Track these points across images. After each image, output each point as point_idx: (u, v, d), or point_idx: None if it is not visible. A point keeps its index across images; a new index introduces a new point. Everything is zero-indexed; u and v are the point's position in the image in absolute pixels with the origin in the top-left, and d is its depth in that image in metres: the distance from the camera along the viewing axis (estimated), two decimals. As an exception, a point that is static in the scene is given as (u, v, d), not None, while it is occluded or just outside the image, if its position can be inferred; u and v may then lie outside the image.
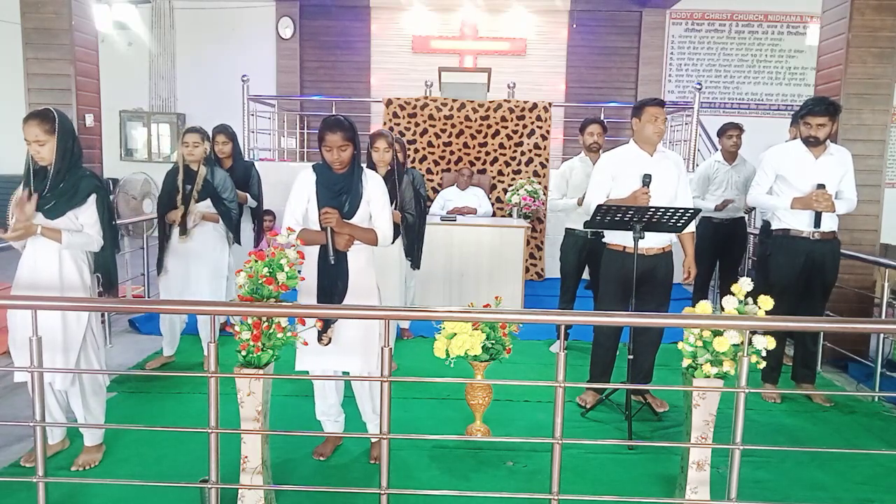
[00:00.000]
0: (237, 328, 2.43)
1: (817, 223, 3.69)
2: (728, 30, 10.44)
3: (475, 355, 3.10)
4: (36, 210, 2.73)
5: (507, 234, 5.54)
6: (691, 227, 3.50)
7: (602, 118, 5.16)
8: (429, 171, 6.76)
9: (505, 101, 6.84)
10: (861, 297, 4.68)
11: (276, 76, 10.58)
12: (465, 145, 6.80)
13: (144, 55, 10.50)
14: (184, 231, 4.02)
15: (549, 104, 6.84)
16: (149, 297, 5.24)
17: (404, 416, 3.49)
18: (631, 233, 3.35)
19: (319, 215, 2.72)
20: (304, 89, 10.60)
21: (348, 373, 2.90)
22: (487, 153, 6.81)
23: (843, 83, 4.69)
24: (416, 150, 6.77)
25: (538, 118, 6.75)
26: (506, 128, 6.76)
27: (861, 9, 4.62)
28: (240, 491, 2.48)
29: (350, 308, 2.69)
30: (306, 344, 2.74)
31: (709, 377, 2.53)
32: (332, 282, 2.78)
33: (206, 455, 2.19)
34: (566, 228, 4.69)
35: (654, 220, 3.25)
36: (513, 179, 6.63)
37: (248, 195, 4.69)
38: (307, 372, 2.86)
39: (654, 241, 3.47)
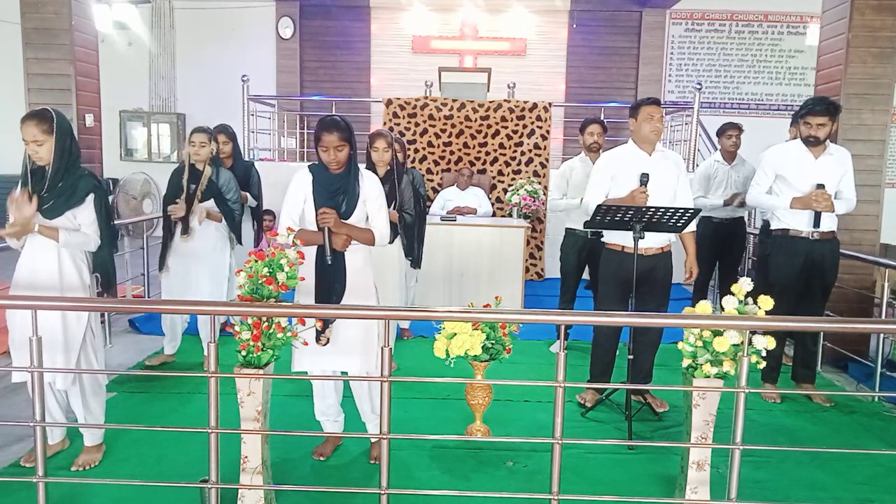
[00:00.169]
0: (237, 328, 2.43)
1: (816, 223, 3.69)
2: (728, 30, 10.43)
3: (475, 355, 3.10)
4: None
5: (507, 234, 5.54)
6: (692, 227, 3.50)
7: (602, 118, 5.16)
8: (429, 171, 6.76)
9: (505, 101, 6.84)
10: (861, 297, 4.68)
11: (276, 76, 10.57)
12: (465, 145, 6.80)
13: (144, 55, 10.50)
14: (186, 230, 4.03)
15: (549, 104, 6.84)
16: (149, 297, 5.24)
17: (404, 416, 3.49)
18: (630, 233, 3.35)
19: (317, 216, 2.73)
20: (304, 89, 10.60)
21: (346, 373, 2.90)
22: (487, 153, 6.81)
23: (843, 83, 4.69)
24: (416, 150, 6.77)
25: (538, 118, 6.75)
26: (506, 128, 6.76)
27: (861, 9, 4.62)
28: (240, 491, 2.48)
29: (350, 308, 2.69)
30: (306, 344, 2.74)
31: (709, 377, 2.52)
32: (331, 282, 2.78)
33: (206, 455, 2.19)
34: (566, 228, 4.69)
35: (655, 220, 3.25)
36: (513, 179, 6.63)
37: (248, 195, 4.69)
38: (307, 372, 2.86)
39: (652, 241, 3.47)
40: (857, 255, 4.27)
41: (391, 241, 3.24)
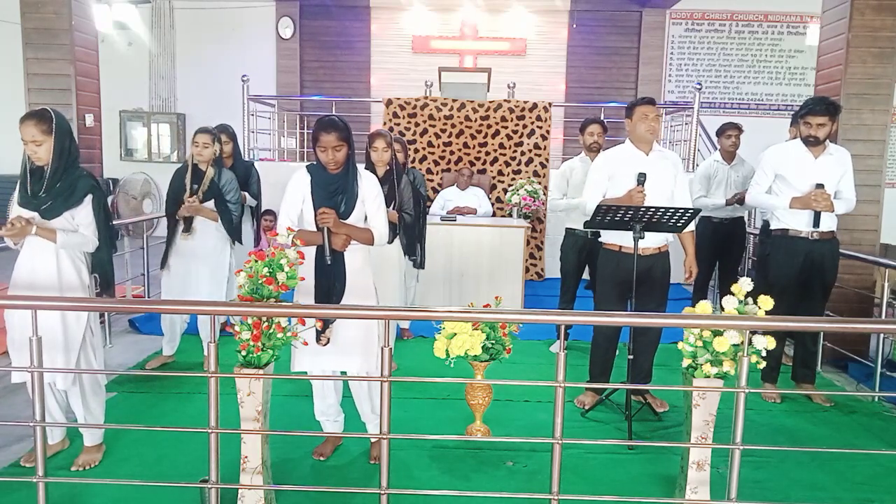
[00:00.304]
0: (237, 328, 2.43)
1: (816, 223, 3.69)
2: (728, 30, 10.43)
3: (475, 355, 3.10)
4: (32, 210, 2.73)
5: (507, 234, 5.54)
6: (691, 227, 3.50)
7: (602, 118, 5.16)
8: (429, 171, 6.76)
9: (505, 101, 6.84)
10: (861, 297, 4.68)
11: (276, 76, 10.57)
12: (465, 145, 6.80)
13: (144, 55, 10.50)
14: (187, 228, 4.03)
15: (549, 104, 6.84)
16: (149, 297, 5.24)
17: (404, 416, 3.49)
18: (626, 232, 3.35)
19: (315, 216, 2.73)
20: (304, 89, 10.60)
21: (346, 373, 2.90)
22: (487, 153, 6.81)
23: (843, 83, 4.69)
24: (416, 150, 6.77)
25: (538, 118, 6.75)
26: (506, 128, 6.76)
27: (861, 9, 4.62)
28: (240, 491, 2.48)
29: (350, 308, 2.69)
30: (306, 344, 2.74)
31: (709, 377, 2.53)
32: (330, 282, 2.78)
33: (206, 455, 2.19)
34: (566, 228, 4.69)
35: (655, 220, 3.25)
36: (513, 179, 6.63)
37: (247, 195, 4.70)
38: (307, 372, 2.86)
39: (650, 241, 3.47)
40: (857, 255, 4.27)
41: (391, 242, 3.23)
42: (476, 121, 6.73)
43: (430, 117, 6.76)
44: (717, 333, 2.45)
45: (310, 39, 10.66)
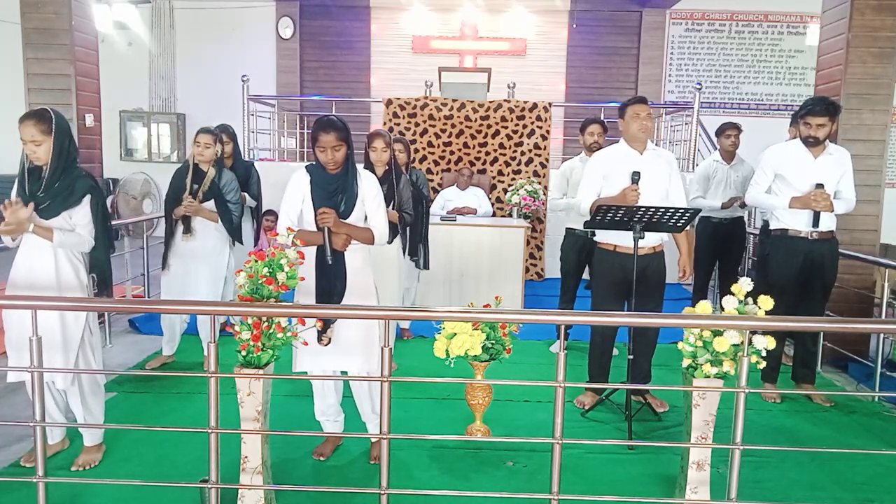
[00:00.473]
0: (237, 328, 2.43)
1: (815, 223, 3.69)
2: (728, 30, 10.44)
3: (475, 355, 3.10)
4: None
5: (507, 234, 5.54)
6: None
7: (602, 118, 5.16)
8: (429, 171, 6.76)
9: (505, 101, 6.84)
10: (861, 297, 4.68)
11: (276, 76, 10.58)
12: (465, 145, 6.80)
13: (144, 55, 10.50)
14: (187, 229, 4.03)
15: (549, 104, 6.85)
16: (149, 297, 5.24)
17: (404, 416, 3.49)
18: (621, 232, 3.35)
19: (315, 216, 2.73)
20: (304, 89, 10.60)
21: (347, 373, 2.90)
22: (487, 153, 6.81)
23: (843, 83, 4.69)
24: (416, 150, 6.76)
25: (538, 118, 6.75)
26: (506, 128, 6.76)
27: (861, 9, 4.62)
28: (240, 491, 2.48)
29: (350, 308, 2.69)
30: (306, 344, 2.74)
31: (709, 377, 2.52)
32: (331, 282, 2.78)
33: (206, 455, 2.19)
34: (566, 228, 4.69)
35: (655, 219, 3.25)
36: (513, 179, 6.63)
37: (246, 195, 4.69)
38: (307, 372, 2.86)
39: (644, 241, 3.46)
40: (857, 255, 4.27)
41: (390, 241, 3.23)
42: (476, 121, 6.74)
43: (430, 117, 6.76)
44: (717, 333, 2.45)
45: (310, 39, 10.66)
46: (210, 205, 4.06)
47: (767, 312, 2.46)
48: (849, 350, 4.46)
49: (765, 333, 2.39)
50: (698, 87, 7.22)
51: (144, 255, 5.22)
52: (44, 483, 2.18)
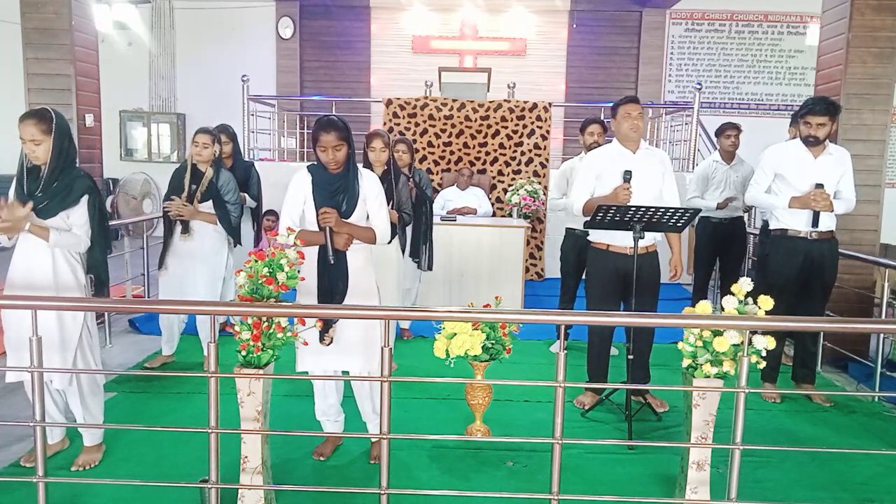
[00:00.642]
0: (237, 328, 2.42)
1: (815, 223, 3.69)
2: (728, 30, 10.44)
3: (475, 355, 3.10)
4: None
5: (507, 234, 5.54)
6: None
7: (602, 118, 5.16)
8: (429, 171, 6.76)
9: (505, 101, 6.84)
10: (861, 297, 4.68)
11: (276, 76, 10.58)
12: (465, 145, 6.80)
13: (144, 55, 10.50)
14: (186, 230, 4.03)
15: (549, 104, 6.85)
16: (149, 297, 5.24)
17: (404, 416, 3.49)
18: (614, 231, 3.35)
19: (317, 215, 2.73)
20: (304, 89, 10.61)
21: (348, 372, 2.90)
22: (487, 153, 6.81)
23: (843, 83, 4.69)
24: (416, 151, 6.74)
25: (538, 118, 6.75)
26: (506, 128, 6.76)
27: (861, 9, 4.62)
28: (240, 491, 2.48)
29: (350, 308, 2.69)
30: (307, 344, 2.74)
31: (709, 377, 2.52)
32: (333, 282, 2.78)
33: (206, 455, 2.19)
34: (566, 228, 4.69)
35: (655, 219, 3.25)
36: (513, 179, 6.63)
37: (246, 196, 4.69)
38: (307, 372, 2.86)
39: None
40: (857, 255, 4.27)
41: (389, 241, 3.23)
42: (476, 121, 6.74)
43: (430, 117, 6.76)
44: (717, 333, 2.45)
45: (310, 39, 10.67)
46: (208, 205, 4.05)
47: (767, 312, 2.46)
48: (849, 350, 4.46)
49: (765, 333, 2.39)
50: (698, 87, 7.22)
51: (144, 255, 5.22)
52: (44, 483, 2.18)
